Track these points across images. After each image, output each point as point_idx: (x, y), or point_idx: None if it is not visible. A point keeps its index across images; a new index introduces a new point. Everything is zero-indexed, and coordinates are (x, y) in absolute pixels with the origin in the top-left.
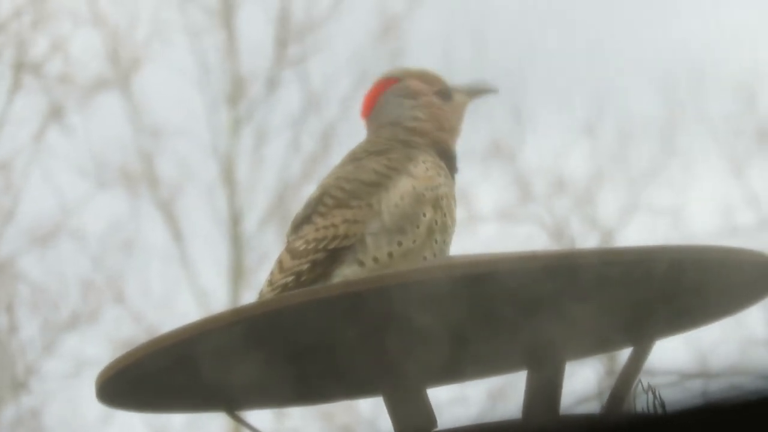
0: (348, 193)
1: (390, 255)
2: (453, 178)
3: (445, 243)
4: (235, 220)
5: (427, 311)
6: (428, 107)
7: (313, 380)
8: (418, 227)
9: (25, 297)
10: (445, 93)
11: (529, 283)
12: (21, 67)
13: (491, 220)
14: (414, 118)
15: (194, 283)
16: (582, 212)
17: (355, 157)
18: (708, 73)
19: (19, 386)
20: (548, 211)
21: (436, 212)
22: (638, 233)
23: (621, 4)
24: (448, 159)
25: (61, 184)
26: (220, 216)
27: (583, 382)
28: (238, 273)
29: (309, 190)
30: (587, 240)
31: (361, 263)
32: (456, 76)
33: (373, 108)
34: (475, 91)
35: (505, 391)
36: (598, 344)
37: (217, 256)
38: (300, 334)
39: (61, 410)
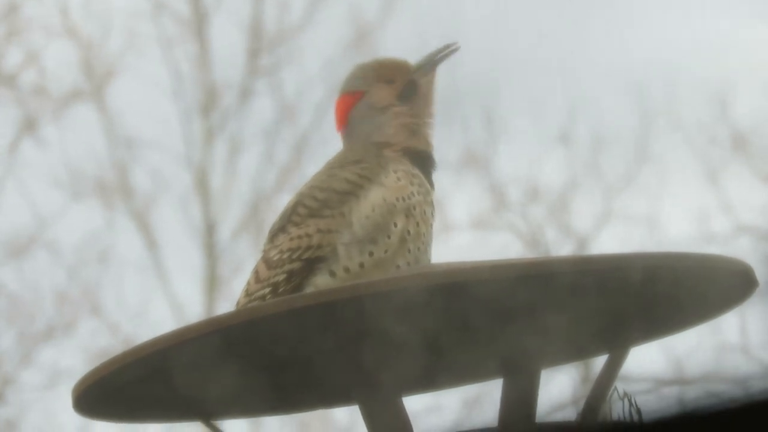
0: (321, 203)
1: (361, 265)
2: (430, 181)
3: (420, 251)
4: (209, 230)
5: (402, 320)
6: (396, 118)
7: (289, 389)
8: (389, 237)
9: (0, 308)
10: (409, 88)
11: (504, 291)
12: None
13: (466, 228)
14: (384, 135)
15: (169, 294)
16: (557, 220)
17: (330, 166)
18: (681, 81)
19: None
20: (523, 219)
21: (408, 221)
22: (613, 241)
23: (594, 13)
24: (423, 163)
25: (35, 196)
26: (194, 226)
27: (559, 388)
28: (212, 283)
29: (283, 200)
30: (562, 248)
31: (333, 273)
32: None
33: (344, 125)
34: (438, 60)
35: (480, 400)
36: (574, 352)
37: (191, 266)
38: (275, 343)
39: (37, 421)
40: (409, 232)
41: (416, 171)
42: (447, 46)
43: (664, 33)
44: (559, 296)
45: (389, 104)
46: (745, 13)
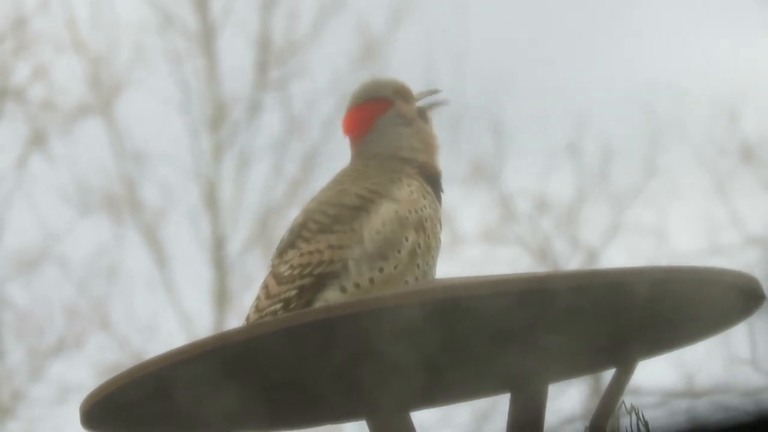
0: (331, 218)
1: (371, 281)
2: (439, 199)
3: (429, 266)
4: (218, 244)
5: (405, 337)
6: (420, 133)
7: (294, 405)
8: (399, 252)
9: (10, 323)
10: (423, 113)
11: (504, 308)
12: (3, 93)
13: (475, 242)
14: (411, 149)
15: (178, 308)
16: (565, 232)
17: (339, 182)
18: (689, 93)
19: (5, 412)
20: (531, 231)
21: (419, 235)
22: (621, 253)
23: (602, 25)
24: (434, 181)
25: (44, 211)
26: (203, 240)
27: (570, 401)
28: (221, 297)
29: (292, 214)
30: (571, 260)
31: (344, 289)
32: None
33: (367, 131)
34: (431, 106)
35: (490, 413)
36: (580, 367)
37: (200, 280)
38: (277, 361)
39: None
40: (419, 245)
41: (429, 188)
42: (438, 100)
43: (671, 45)
44: (562, 312)
45: (415, 118)
46: (753, 24)
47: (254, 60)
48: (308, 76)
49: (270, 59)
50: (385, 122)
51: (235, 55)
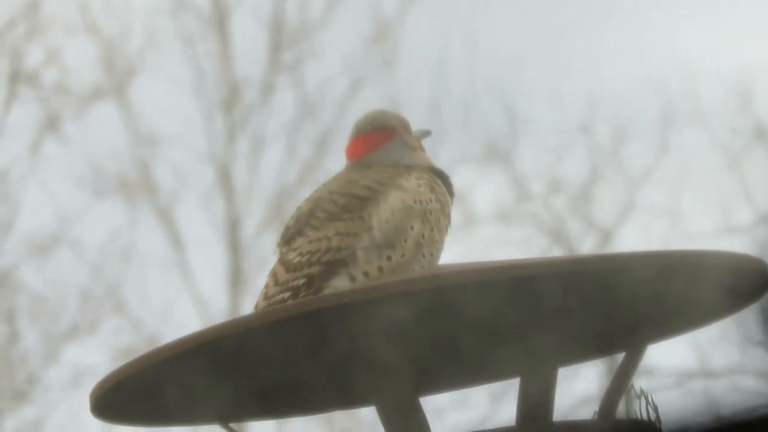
0: (341, 207)
1: (380, 269)
2: (451, 195)
3: (433, 257)
4: (232, 226)
5: (411, 324)
6: (422, 160)
7: (305, 391)
8: (406, 241)
9: (24, 307)
10: (423, 146)
11: (510, 294)
12: (16, 77)
13: (489, 222)
14: (413, 163)
15: (193, 291)
16: (579, 212)
17: (347, 173)
18: (702, 71)
19: (20, 396)
20: (545, 211)
21: (423, 225)
22: (635, 232)
23: (613, 5)
24: (444, 178)
25: (58, 195)
26: (217, 223)
27: (586, 382)
28: (236, 279)
29: (306, 196)
30: (584, 240)
31: (353, 278)
32: (450, 80)
33: (370, 152)
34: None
35: (507, 394)
36: (588, 351)
37: (215, 263)
38: (291, 345)
39: (62, 420)
40: (423, 235)
41: (439, 182)
42: (426, 133)
43: (684, 23)
44: (569, 296)
45: (418, 148)
46: (766, 3)
47: (267, 42)
48: (321, 58)
49: (283, 41)
50: (391, 147)
51: (248, 37)
